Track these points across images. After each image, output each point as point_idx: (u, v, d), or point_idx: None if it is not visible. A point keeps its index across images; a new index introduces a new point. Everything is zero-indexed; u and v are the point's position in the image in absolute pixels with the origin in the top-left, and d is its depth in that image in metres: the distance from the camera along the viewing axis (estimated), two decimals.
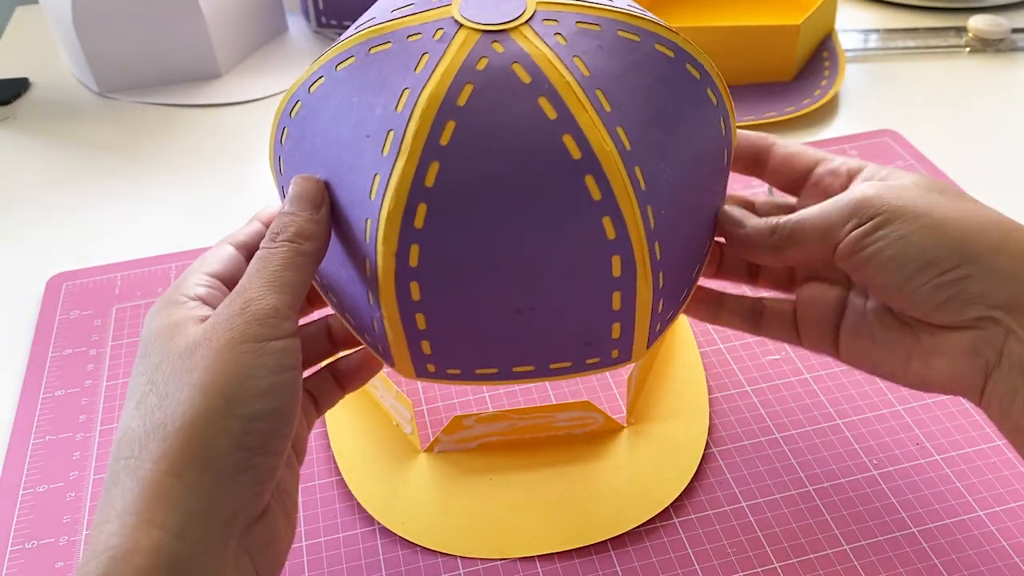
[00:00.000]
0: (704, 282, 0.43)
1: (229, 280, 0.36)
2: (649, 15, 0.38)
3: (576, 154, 0.33)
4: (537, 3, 0.36)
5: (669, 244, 0.36)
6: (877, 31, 0.82)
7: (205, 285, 0.35)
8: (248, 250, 0.38)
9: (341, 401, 0.44)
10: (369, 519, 0.43)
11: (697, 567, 0.40)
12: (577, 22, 0.35)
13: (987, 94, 0.73)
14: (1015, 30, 0.79)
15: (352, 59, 0.36)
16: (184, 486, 0.29)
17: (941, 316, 0.36)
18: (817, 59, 0.76)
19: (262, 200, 0.66)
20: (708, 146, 0.38)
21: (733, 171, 0.42)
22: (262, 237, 0.36)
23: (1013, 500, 0.42)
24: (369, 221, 0.34)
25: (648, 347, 0.39)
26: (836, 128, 0.70)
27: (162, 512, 0.28)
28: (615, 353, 0.38)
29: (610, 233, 0.34)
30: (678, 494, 0.43)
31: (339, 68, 0.36)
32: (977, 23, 0.78)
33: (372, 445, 0.46)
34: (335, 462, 0.45)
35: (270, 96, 0.79)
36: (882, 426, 0.46)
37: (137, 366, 0.33)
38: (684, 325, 0.51)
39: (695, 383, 0.48)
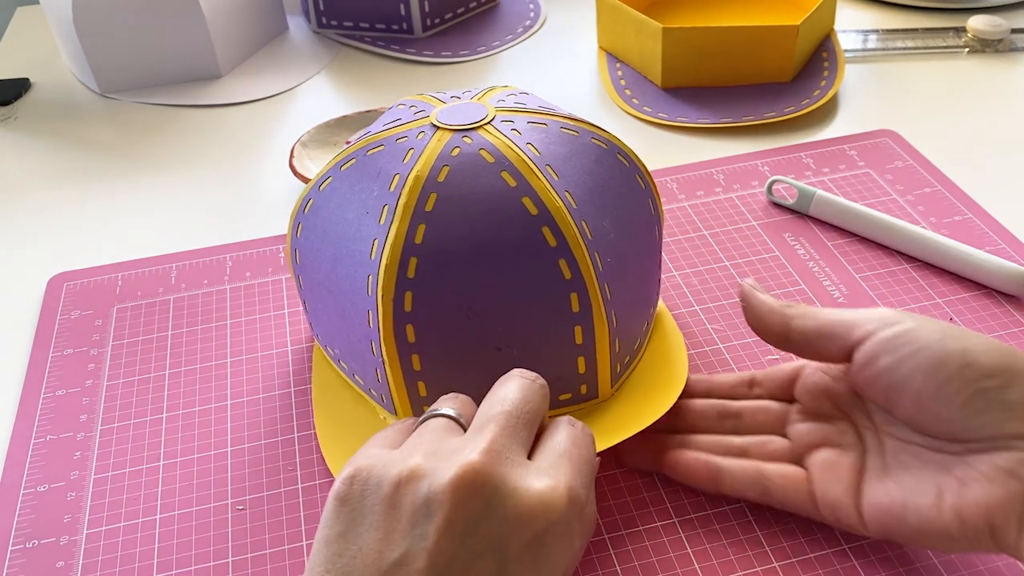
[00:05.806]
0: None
1: None
2: (584, 118, 0.47)
3: (533, 211, 0.41)
4: (496, 110, 0.45)
5: (616, 288, 0.43)
6: (876, 32, 0.82)
7: None
8: None
9: (327, 395, 0.46)
10: None
11: (697, 567, 0.40)
12: (528, 121, 0.45)
13: (986, 94, 0.74)
14: (1014, 30, 0.80)
15: (353, 160, 0.44)
16: None
17: (979, 427, 0.34)
18: (816, 59, 0.76)
19: (262, 200, 0.66)
20: (641, 217, 0.45)
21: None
22: None
23: None
24: (370, 277, 0.41)
25: (612, 386, 0.45)
26: (835, 128, 0.70)
27: None
28: (584, 388, 0.44)
29: (566, 273, 0.41)
30: (669, 406, 0.44)
31: (343, 168, 0.44)
32: (976, 23, 0.79)
33: (359, 439, 0.46)
34: (324, 463, 0.45)
35: (270, 97, 0.79)
36: None
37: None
38: (665, 314, 0.51)
39: (676, 360, 0.48)
